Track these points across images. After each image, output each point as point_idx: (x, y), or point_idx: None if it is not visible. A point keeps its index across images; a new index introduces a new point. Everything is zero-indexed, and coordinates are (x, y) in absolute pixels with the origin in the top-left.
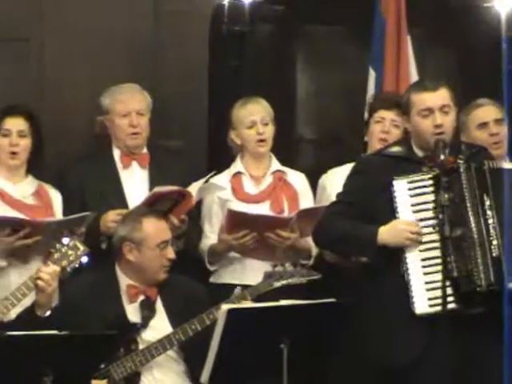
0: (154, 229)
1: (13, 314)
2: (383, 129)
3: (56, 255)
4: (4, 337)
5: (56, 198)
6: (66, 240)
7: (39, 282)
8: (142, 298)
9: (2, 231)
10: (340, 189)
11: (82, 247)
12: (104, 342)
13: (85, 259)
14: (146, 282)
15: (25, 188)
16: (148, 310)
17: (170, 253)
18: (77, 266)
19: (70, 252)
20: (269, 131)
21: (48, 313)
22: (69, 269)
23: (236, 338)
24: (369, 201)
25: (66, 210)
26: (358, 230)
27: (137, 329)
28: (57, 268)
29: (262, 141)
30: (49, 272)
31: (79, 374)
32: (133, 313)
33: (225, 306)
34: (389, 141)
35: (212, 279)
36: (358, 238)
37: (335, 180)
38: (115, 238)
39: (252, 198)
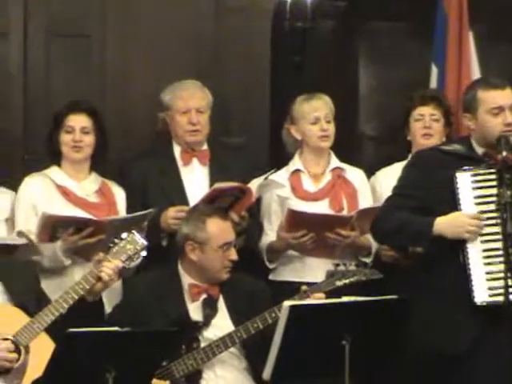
0: (218, 229)
1: None
2: (424, 125)
3: (114, 249)
4: (66, 334)
5: (119, 194)
6: (124, 234)
7: (103, 275)
8: (204, 296)
9: (66, 230)
10: (390, 189)
11: (140, 241)
12: (166, 339)
13: (144, 253)
14: (208, 281)
15: (88, 186)
16: (210, 309)
17: (233, 254)
18: (135, 260)
19: (128, 246)
20: (332, 128)
21: (97, 298)
22: (127, 263)
23: (298, 335)
24: (424, 194)
25: (128, 207)
26: (414, 220)
27: (199, 327)
28: (119, 263)
29: (325, 136)
30: (111, 267)
31: (141, 370)
32: (195, 311)
33: (287, 303)
34: (432, 135)
35: (271, 277)
36: (414, 228)
37: (385, 180)
38: (178, 235)
39: (311, 195)
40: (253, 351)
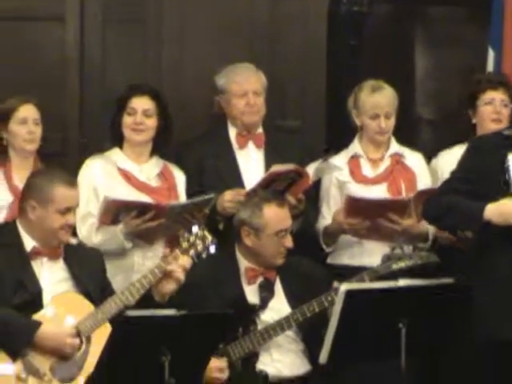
0: (275, 216)
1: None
2: (494, 109)
3: (184, 244)
4: (123, 317)
5: (180, 178)
6: (194, 229)
7: (177, 274)
8: (260, 279)
9: (128, 214)
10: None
11: (209, 237)
12: (223, 321)
13: (212, 249)
14: (264, 265)
15: (150, 169)
16: (267, 292)
17: (289, 241)
18: (204, 256)
19: (197, 241)
20: (391, 124)
21: (166, 299)
22: (195, 259)
23: (354, 319)
24: (480, 178)
25: (185, 190)
26: (465, 203)
27: (255, 310)
28: (189, 261)
29: (382, 132)
30: (182, 265)
31: (197, 354)
32: (252, 294)
33: (343, 287)
34: (502, 121)
35: (329, 260)
36: (465, 211)
37: (446, 162)
38: (235, 219)
39: (369, 180)
40: (310, 334)
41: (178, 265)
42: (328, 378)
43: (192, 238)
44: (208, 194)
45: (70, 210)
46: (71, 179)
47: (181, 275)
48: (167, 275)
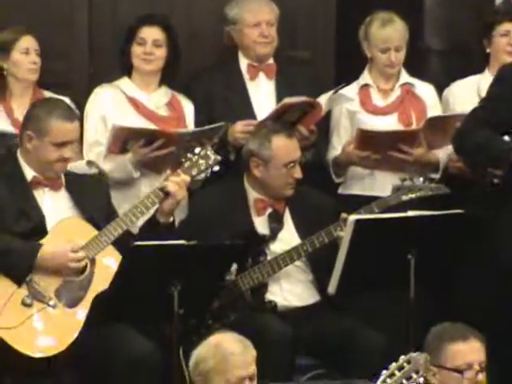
0: (283, 148)
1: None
2: (509, 42)
3: (186, 164)
4: (133, 247)
5: (189, 108)
6: (197, 149)
7: (169, 189)
8: (270, 210)
9: (136, 142)
10: (463, 102)
11: (213, 156)
12: (232, 252)
13: (216, 168)
14: (273, 197)
15: (158, 98)
16: (276, 223)
17: (297, 172)
18: (208, 175)
19: (200, 161)
20: (401, 57)
21: (171, 219)
22: (199, 178)
23: (363, 249)
24: (509, 107)
25: (195, 123)
26: (496, 141)
27: (265, 240)
28: (186, 178)
29: (392, 65)
30: (177, 181)
31: (206, 284)
32: (261, 225)
33: (352, 217)
34: None
35: (340, 190)
36: (495, 150)
37: (458, 93)
38: (244, 150)
39: (380, 110)
40: (319, 265)
41: (176, 181)
42: (336, 308)
43: (195, 158)
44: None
45: (66, 144)
46: (71, 113)
47: (178, 191)
48: (168, 194)
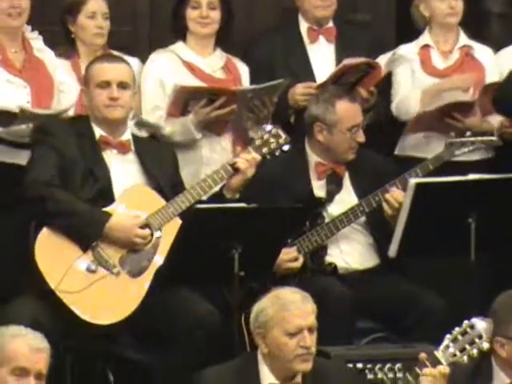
0: (347, 112)
1: None
2: None
3: (257, 142)
4: (193, 210)
5: (244, 71)
6: (268, 127)
7: (239, 165)
8: (328, 173)
9: (198, 103)
10: None
11: (283, 135)
12: (291, 215)
13: (286, 148)
14: (334, 160)
15: (214, 61)
16: (335, 185)
17: (361, 136)
18: (277, 154)
19: (271, 140)
20: (460, 4)
21: (237, 196)
22: (268, 156)
23: (423, 213)
24: None
25: (254, 84)
26: None
27: (323, 203)
28: (257, 156)
29: (453, 13)
30: (247, 158)
31: (266, 247)
32: (320, 188)
33: (413, 180)
34: None
35: (397, 151)
36: None
37: (508, 59)
38: (307, 115)
39: (439, 72)
40: (378, 228)
41: (247, 158)
42: (397, 271)
43: (266, 136)
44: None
45: (108, 83)
46: (114, 56)
47: (247, 168)
48: (238, 171)
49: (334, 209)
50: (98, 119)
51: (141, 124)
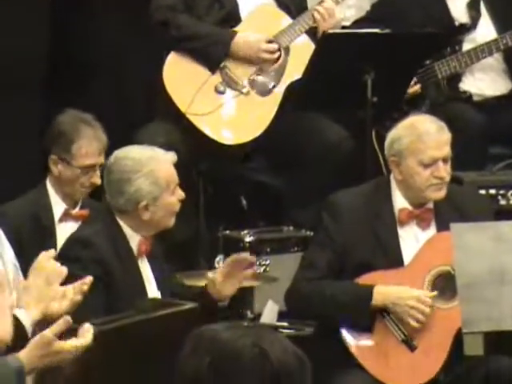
0: None
1: None
2: None
3: None
4: (326, 35)
5: None
6: None
7: (316, 14)
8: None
9: None
10: None
11: None
12: (427, 40)
13: None
14: None
15: None
16: (476, 11)
17: None
18: None
19: None
20: None
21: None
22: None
23: None
24: None
25: None
26: None
27: (465, 30)
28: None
29: None
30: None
31: (401, 71)
32: (460, 14)
33: None
34: None
35: None
36: None
37: None
38: None
39: None
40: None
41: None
42: None
43: None
44: None
45: None
46: None
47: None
48: None
49: (475, 37)
50: None
51: None
